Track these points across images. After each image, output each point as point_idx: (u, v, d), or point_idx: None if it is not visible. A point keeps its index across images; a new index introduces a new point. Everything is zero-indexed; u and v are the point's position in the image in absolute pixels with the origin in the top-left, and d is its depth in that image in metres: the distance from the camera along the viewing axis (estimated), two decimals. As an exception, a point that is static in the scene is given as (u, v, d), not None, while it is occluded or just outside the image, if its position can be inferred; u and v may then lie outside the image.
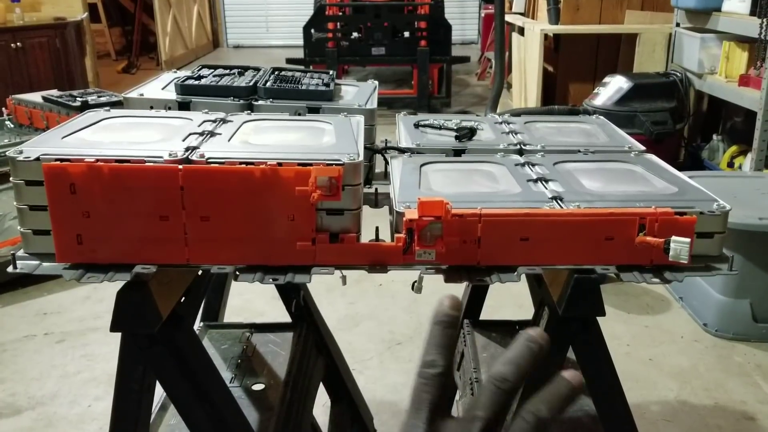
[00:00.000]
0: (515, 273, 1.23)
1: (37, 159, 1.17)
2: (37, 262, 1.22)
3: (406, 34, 7.36)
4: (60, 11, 7.02)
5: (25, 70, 6.40)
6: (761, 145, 3.88)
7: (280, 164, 1.17)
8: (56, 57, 6.70)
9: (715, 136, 4.74)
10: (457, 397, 2.08)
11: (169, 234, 1.18)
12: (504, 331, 2.06)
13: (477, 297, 2.11)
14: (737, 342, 3.11)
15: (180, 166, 1.15)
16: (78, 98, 4.02)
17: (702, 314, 3.28)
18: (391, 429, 2.56)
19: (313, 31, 7.14)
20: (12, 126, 4.29)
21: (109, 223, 1.17)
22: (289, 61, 7.23)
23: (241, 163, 1.18)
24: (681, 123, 4.72)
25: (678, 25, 4.96)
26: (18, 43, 6.33)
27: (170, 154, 1.19)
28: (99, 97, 4.14)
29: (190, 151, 1.23)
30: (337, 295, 3.47)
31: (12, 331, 3.25)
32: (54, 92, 4.24)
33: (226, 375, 1.83)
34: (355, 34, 7.33)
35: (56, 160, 1.16)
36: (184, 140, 1.30)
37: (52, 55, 6.66)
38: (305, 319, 2.05)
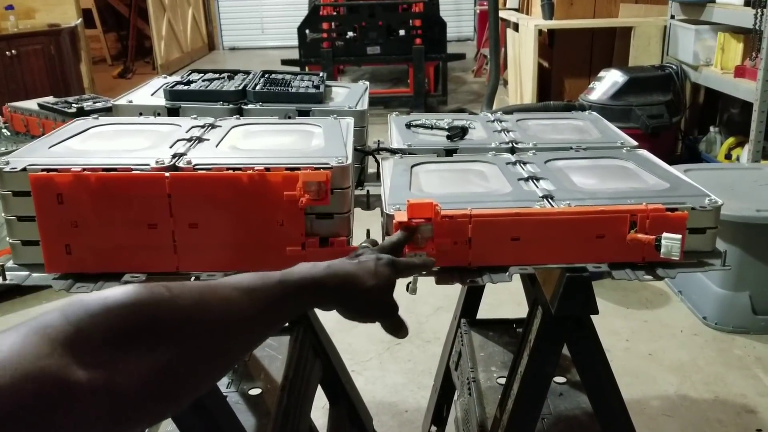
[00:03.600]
0: (507, 273, 1.22)
1: (24, 169, 1.16)
2: (27, 273, 1.21)
3: (401, 32, 7.34)
4: (54, 18, 7.02)
5: (21, 78, 6.40)
6: (758, 137, 3.87)
7: (267, 169, 1.17)
8: (51, 64, 6.69)
9: (711, 128, 4.72)
10: (455, 397, 2.08)
11: (157, 242, 1.17)
12: (501, 329, 2.06)
13: (473, 296, 2.11)
14: (737, 335, 3.10)
15: (167, 174, 1.15)
16: (73, 104, 4.01)
17: (701, 308, 3.27)
18: (392, 430, 2.56)
19: (307, 31, 7.13)
20: (8, 134, 4.28)
21: (97, 233, 1.16)
22: (284, 62, 7.23)
23: (228, 169, 1.18)
24: (677, 116, 4.70)
25: (672, 17, 4.95)
26: (13, 51, 6.33)
27: (157, 162, 1.19)
28: (95, 102, 4.12)
29: (177, 158, 1.22)
30: (336, 297, 3.45)
31: (11, 339, 3.24)
32: (50, 99, 4.23)
33: (223, 380, 1.83)
34: (350, 34, 7.32)
35: (43, 170, 1.16)
36: (171, 147, 1.29)
37: (47, 62, 6.66)
38: (302, 321, 2.05)
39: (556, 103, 4.93)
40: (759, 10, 3.80)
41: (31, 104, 4.19)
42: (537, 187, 1.35)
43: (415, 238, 1.18)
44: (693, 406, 2.64)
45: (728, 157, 4.43)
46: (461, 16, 12.78)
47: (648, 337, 3.13)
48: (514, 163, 1.48)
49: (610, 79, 4.62)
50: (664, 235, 1.17)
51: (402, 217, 1.17)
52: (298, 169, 1.17)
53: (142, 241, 1.17)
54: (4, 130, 4.29)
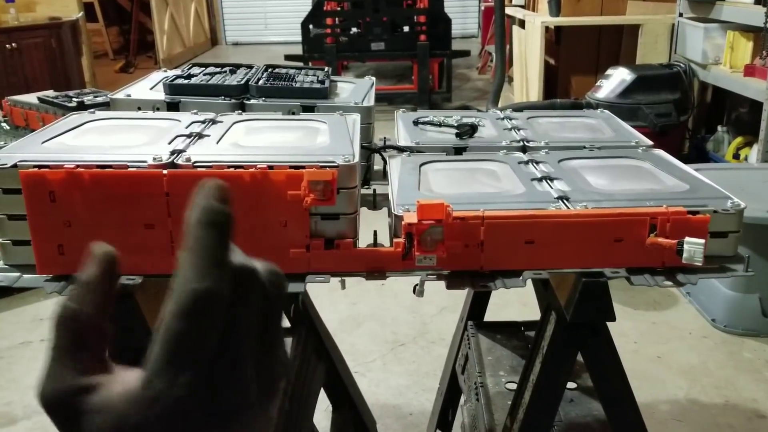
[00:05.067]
0: (520, 278, 1.17)
1: (15, 166, 1.11)
2: (18, 274, 1.16)
3: (406, 28, 7.29)
4: (55, 11, 6.96)
5: (21, 71, 6.34)
6: (767, 136, 3.82)
7: (271, 167, 1.12)
8: (52, 57, 6.63)
9: (720, 128, 4.66)
10: (461, 401, 2.02)
11: (154, 243, 1.12)
12: (509, 332, 2.00)
13: (481, 299, 2.05)
14: (747, 337, 3.05)
15: (165, 171, 1.09)
16: (74, 98, 3.95)
17: (710, 309, 3.22)
18: (395, 433, 2.51)
19: (311, 27, 7.07)
20: (8, 128, 4.23)
21: (91, 233, 1.11)
22: (287, 57, 7.17)
23: (229, 167, 1.12)
24: (685, 115, 4.64)
25: (681, 15, 4.89)
26: (13, 44, 6.27)
27: (155, 159, 1.13)
28: (95, 97, 4.06)
29: (176, 154, 1.17)
30: (339, 296, 3.41)
31: (7, 338, 3.19)
32: (50, 93, 4.17)
33: (223, 383, 1.77)
34: (353, 30, 7.26)
35: (35, 166, 1.10)
36: (170, 143, 1.24)
37: (48, 56, 6.59)
38: (304, 323, 1.99)
39: (562, 101, 4.86)
40: (770, 8, 3.74)
41: (31, 98, 4.13)
42: (551, 187, 1.29)
43: (424, 240, 1.12)
44: (703, 411, 2.59)
45: (736, 156, 4.37)
46: (466, 13, 12.71)
47: (656, 339, 3.07)
48: (527, 163, 1.42)
49: (618, 77, 4.56)
50: (687, 239, 1.11)
51: (411, 218, 1.11)
52: (303, 167, 1.11)
53: (138, 242, 1.12)
54: (3, 124, 4.24)
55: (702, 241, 1.12)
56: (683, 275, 1.18)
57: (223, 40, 13.29)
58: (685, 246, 1.12)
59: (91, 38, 8.23)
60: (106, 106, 3.82)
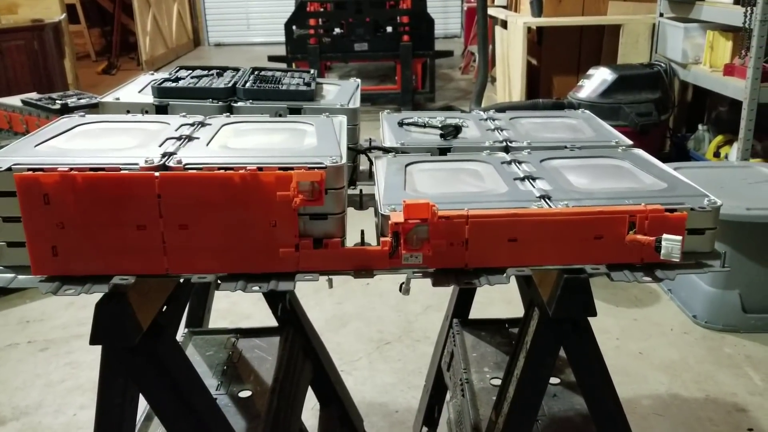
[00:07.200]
0: (504, 275, 1.20)
1: (9, 169, 1.13)
2: (12, 275, 1.18)
3: (389, 29, 7.32)
4: (37, 13, 6.93)
5: (3, 74, 6.31)
6: (747, 135, 3.87)
7: (260, 169, 1.14)
8: (34, 59, 6.60)
9: (700, 126, 4.73)
10: (447, 398, 2.06)
11: (146, 244, 1.14)
12: (493, 329, 2.04)
13: (465, 297, 2.09)
14: (727, 333, 3.11)
15: (156, 174, 1.12)
16: (57, 101, 3.95)
17: (691, 306, 3.27)
18: (382, 431, 2.54)
19: (294, 27, 7.09)
20: (-9, 130, 4.22)
21: (84, 234, 1.13)
22: (270, 58, 7.18)
23: (219, 169, 1.15)
24: (666, 114, 4.70)
25: (661, 15, 4.95)
26: (-5, 46, 6.25)
27: (146, 161, 1.16)
28: (79, 99, 4.06)
29: (166, 157, 1.19)
30: (325, 296, 3.43)
31: (-6, 339, 3.20)
32: (33, 95, 4.17)
33: (212, 382, 1.80)
34: (337, 30, 7.28)
35: (29, 170, 1.12)
36: (160, 146, 1.26)
37: (31, 58, 6.57)
38: (292, 322, 2.02)
39: (545, 101, 4.91)
40: (749, 9, 3.80)
41: (14, 100, 4.12)
42: (533, 187, 1.32)
43: (410, 239, 1.15)
44: (684, 405, 2.64)
45: (716, 155, 4.43)
46: (448, 13, 12.78)
47: (638, 335, 3.12)
48: (509, 163, 1.46)
49: (599, 77, 4.61)
50: (665, 236, 1.15)
51: (398, 217, 1.14)
52: (292, 168, 1.14)
53: (130, 243, 1.14)
54: (-14, 127, 4.22)
55: (679, 237, 1.15)
56: (661, 271, 1.22)
57: (205, 41, 13.27)
58: (663, 243, 1.16)
59: (73, 40, 8.20)
60: (90, 108, 3.83)
